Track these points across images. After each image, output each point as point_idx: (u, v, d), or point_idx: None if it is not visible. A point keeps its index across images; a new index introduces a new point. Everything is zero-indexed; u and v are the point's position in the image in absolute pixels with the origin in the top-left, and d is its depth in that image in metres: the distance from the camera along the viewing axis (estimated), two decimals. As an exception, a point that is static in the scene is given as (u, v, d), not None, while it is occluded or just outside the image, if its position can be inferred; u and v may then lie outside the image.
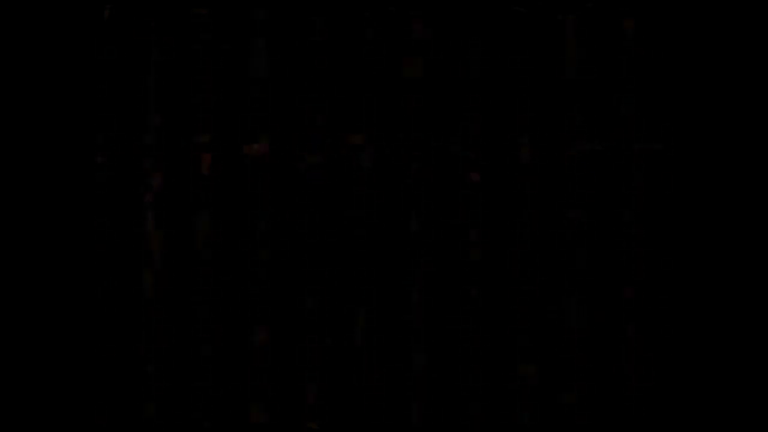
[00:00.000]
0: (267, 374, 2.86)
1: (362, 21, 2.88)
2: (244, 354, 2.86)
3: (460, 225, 2.87)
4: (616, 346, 2.88)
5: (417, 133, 2.88)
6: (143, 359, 2.85)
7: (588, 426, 2.87)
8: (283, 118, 2.87)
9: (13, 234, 2.79)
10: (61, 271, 2.79)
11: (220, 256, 2.86)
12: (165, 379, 2.85)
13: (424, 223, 2.87)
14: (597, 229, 2.88)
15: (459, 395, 2.86)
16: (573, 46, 2.89)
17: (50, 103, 2.80)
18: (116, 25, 2.86)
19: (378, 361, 2.87)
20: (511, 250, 2.87)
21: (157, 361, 2.85)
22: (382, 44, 2.88)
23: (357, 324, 2.86)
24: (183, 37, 2.87)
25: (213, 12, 2.87)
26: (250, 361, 2.86)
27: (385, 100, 2.87)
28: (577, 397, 2.87)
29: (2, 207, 2.78)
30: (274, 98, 2.87)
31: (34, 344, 2.79)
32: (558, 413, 2.87)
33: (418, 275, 2.87)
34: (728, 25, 2.85)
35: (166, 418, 2.85)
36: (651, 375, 2.88)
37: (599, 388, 2.87)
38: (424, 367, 2.87)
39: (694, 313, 2.86)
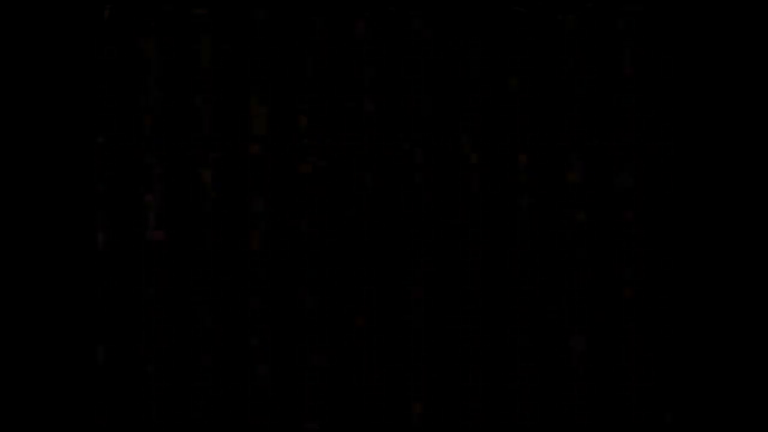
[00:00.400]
0: (267, 374, 2.86)
1: (362, 21, 2.88)
2: (244, 354, 2.86)
3: (460, 225, 2.87)
4: (616, 346, 2.88)
5: (416, 133, 2.88)
6: (143, 359, 2.85)
7: (588, 426, 2.87)
8: (283, 118, 2.87)
9: (14, 234, 2.79)
10: (61, 271, 2.79)
11: (221, 256, 2.86)
12: (165, 379, 2.85)
13: (424, 223, 2.87)
14: (597, 229, 2.88)
15: (459, 395, 2.87)
16: (573, 46, 2.89)
17: (50, 103, 2.80)
18: (116, 25, 2.86)
19: (378, 361, 2.87)
20: (511, 250, 2.87)
21: (157, 361, 2.85)
22: (382, 44, 2.88)
23: (357, 324, 2.86)
24: (183, 37, 2.87)
25: (213, 12, 2.87)
26: (249, 361, 2.86)
27: (384, 100, 2.87)
28: (577, 397, 2.87)
29: (2, 207, 2.78)
30: (274, 98, 2.87)
31: (35, 344, 2.79)
32: (558, 413, 2.87)
33: (418, 275, 2.87)
34: (728, 24, 2.85)
35: (166, 418, 2.85)
36: (651, 375, 2.88)
37: (599, 388, 2.87)
38: (424, 367, 2.87)
39: (694, 313, 2.86)
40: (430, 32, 2.88)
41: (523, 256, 2.87)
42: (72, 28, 2.80)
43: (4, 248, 2.79)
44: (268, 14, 2.87)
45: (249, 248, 2.86)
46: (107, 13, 2.85)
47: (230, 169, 2.87)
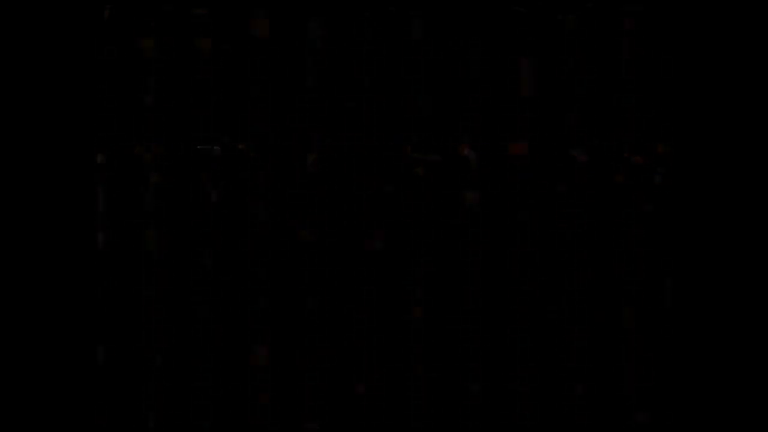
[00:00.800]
0: (267, 374, 2.86)
1: (362, 21, 2.88)
2: (244, 354, 2.86)
3: (460, 225, 2.87)
4: (616, 346, 2.88)
5: (417, 133, 2.88)
6: (143, 359, 2.85)
7: (588, 426, 2.87)
8: (283, 118, 2.87)
9: (14, 234, 2.79)
10: (61, 271, 2.79)
11: (221, 256, 2.86)
12: (165, 379, 2.85)
13: (424, 222, 2.87)
14: (597, 229, 2.88)
15: (459, 395, 2.86)
16: (573, 46, 2.89)
17: (50, 104, 2.80)
18: (116, 25, 2.86)
19: (378, 361, 2.87)
20: (511, 251, 2.87)
21: (156, 361, 2.85)
22: (382, 44, 2.88)
23: (357, 324, 2.86)
24: (183, 37, 2.87)
25: (213, 12, 2.87)
26: (249, 361, 2.86)
27: (384, 100, 2.87)
28: (577, 397, 2.87)
29: (3, 207, 2.78)
30: (274, 98, 2.87)
31: (35, 344, 2.79)
32: (558, 413, 2.87)
33: (418, 275, 2.87)
34: (728, 24, 2.85)
35: (166, 418, 2.85)
36: (651, 375, 2.88)
37: (599, 388, 2.87)
38: (424, 367, 2.86)
39: (694, 313, 2.86)
40: (430, 32, 2.88)
41: (523, 256, 2.87)
42: (72, 28, 2.80)
43: (4, 249, 2.79)
44: (268, 14, 2.87)
45: (249, 248, 2.86)
46: (107, 13, 2.85)
47: (230, 168, 2.87)
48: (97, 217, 2.84)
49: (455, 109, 2.88)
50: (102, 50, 2.85)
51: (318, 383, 2.86)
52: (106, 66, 2.86)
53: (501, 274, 2.87)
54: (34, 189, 2.79)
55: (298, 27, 2.87)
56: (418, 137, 2.87)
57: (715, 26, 2.86)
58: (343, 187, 2.87)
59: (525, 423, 2.87)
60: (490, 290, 2.87)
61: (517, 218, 2.88)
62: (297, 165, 2.87)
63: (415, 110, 2.88)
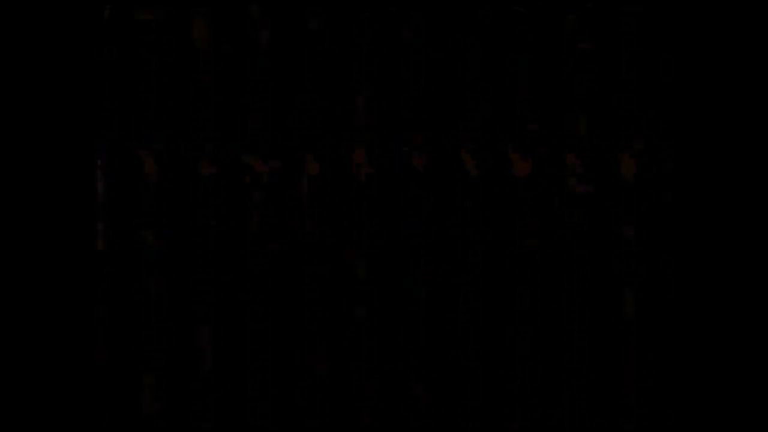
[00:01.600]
0: (267, 375, 2.86)
1: (362, 21, 2.88)
2: (244, 354, 2.86)
3: (460, 225, 2.87)
4: (616, 346, 2.88)
5: (416, 133, 2.88)
6: (143, 360, 2.85)
7: (588, 426, 2.87)
8: (283, 119, 2.88)
9: (14, 235, 2.79)
10: (61, 271, 2.79)
11: (220, 256, 2.86)
12: (165, 380, 2.85)
13: (423, 223, 2.87)
14: (597, 230, 2.88)
15: (459, 395, 2.87)
16: (573, 46, 2.89)
17: (50, 104, 2.80)
18: (116, 25, 2.86)
19: (378, 362, 2.87)
20: (511, 251, 2.88)
21: (156, 362, 2.85)
22: (382, 44, 2.88)
23: (357, 324, 2.87)
24: (183, 37, 2.87)
25: (213, 12, 2.87)
26: (249, 362, 2.86)
27: (384, 100, 2.88)
28: (576, 397, 2.87)
29: (3, 208, 2.79)
30: (274, 99, 2.87)
31: (35, 344, 2.79)
32: (558, 414, 2.87)
33: (418, 275, 2.87)
34: (728, 24, 2.85)
35: (166, 419, 2.85)
36: (651, 375, 2.88)
37: (599, 388, 2.87)
38: (424, 368, 2.87)
39: (694, 313, 2.86)
40: (430, 32, 2.88)
41: (522, 256, 2.87)
42: (72, 28, 2.80)
43: (4, 249, 2.79)
44: (268, 14, 2.88)
45: (249, 248, 2.86)
46: (107, 13, 2.85)
47: (230, 168, 2.87)
48: (97, 217, 2.84)
49: (455, 108, 2.88)
50: (102, 50, 2.85)
51: (318, 383, 2.86)
52: (106, 66, 2.86)
53: (501, 275, 2.87)
54: (34, 189, 2.79)
55: (298, 27, 2.88)
56: (418, 137, 2.88)
57: (716, 26, 2.86)
58: (343, 186, 2.87)
59: (525, 423, 2.87)
60: (490, 290, 2.87)
61: (516, 217, 2.88)
62: (296, 165, 2.88)
63: (415, 110, 2.88)
